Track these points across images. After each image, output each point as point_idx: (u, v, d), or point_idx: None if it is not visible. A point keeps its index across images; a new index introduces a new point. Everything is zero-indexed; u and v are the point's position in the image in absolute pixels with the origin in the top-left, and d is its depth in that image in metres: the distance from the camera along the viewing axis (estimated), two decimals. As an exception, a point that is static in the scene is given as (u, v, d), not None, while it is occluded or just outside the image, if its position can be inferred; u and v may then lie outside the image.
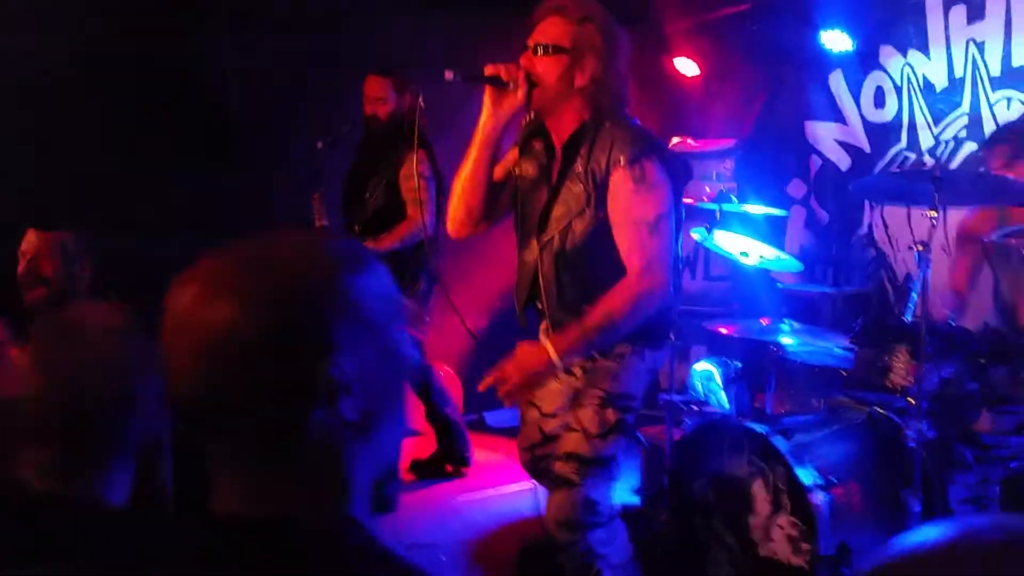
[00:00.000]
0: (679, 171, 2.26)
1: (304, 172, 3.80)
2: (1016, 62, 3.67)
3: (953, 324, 2.50)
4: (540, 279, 2.23)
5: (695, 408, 3.53)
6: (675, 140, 4.74)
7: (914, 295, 2.37)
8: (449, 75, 2.11)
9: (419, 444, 4.09)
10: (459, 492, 3.80)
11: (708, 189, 4.23)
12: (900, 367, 2.43)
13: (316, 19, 4.06)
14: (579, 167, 2.16)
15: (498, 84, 2.13)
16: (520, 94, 2.11)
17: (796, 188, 4.61)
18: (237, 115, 3.97)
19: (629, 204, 2.11)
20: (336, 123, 3.76)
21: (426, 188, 3.47)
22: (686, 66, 5.04)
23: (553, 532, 2.12)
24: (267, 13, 3.94)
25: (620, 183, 2.11)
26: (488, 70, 2.13)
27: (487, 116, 2.19)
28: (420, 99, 2.50)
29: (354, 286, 0.83)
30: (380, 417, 0.85)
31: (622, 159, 2.10)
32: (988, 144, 3.08)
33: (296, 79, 4.04)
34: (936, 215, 2.35)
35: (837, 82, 4.37)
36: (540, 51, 2.12)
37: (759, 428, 2.55)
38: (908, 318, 2.40)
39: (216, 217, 3.41)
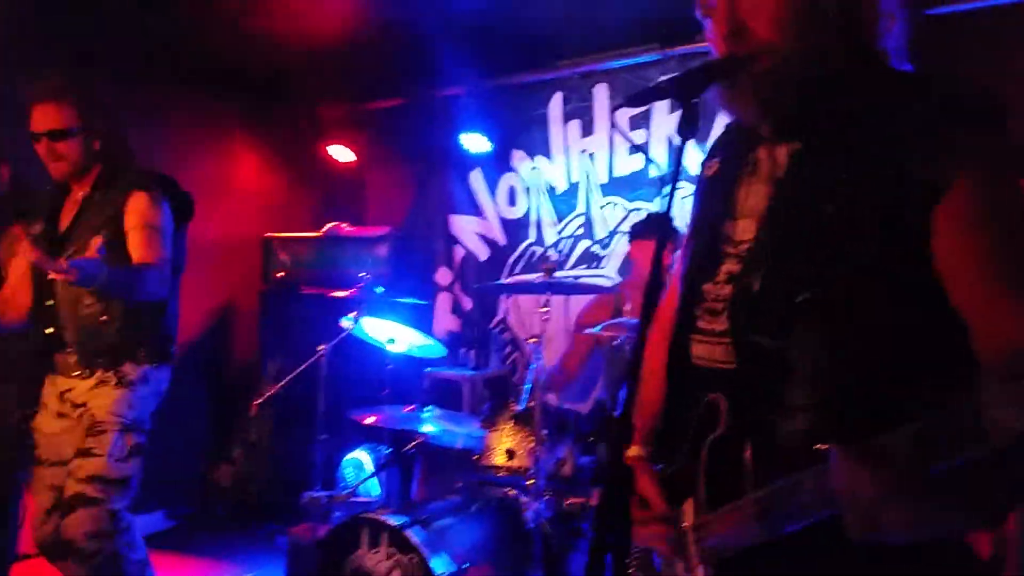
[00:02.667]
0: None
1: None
2: (618, 172, 4.27)
3: (563, 407, 2.76)
4: None
5: (344, 499, 3.48)
6: (330, 224, 4.77)
7: (528, 383, 2.59)
8: None
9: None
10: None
11: (361, 275, 4.30)
12: (521, 450, 2.63)
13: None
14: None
15: None
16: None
17: (443, 276, 4.86)
18: None
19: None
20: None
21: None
22: (341, 153, 5.14)
23: (80, 544, 2.35)
24: None
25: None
26: None
27: None
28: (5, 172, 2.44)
29: None
30: None
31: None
32: (631, 236, 3.46)
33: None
34: (547, 310, 2.61)
35: (477, 180, 4.74)
36: (55, 137, 2.43)
37: (396, 520, 2.56)
38: (521, 406, 2.60)
39: None
